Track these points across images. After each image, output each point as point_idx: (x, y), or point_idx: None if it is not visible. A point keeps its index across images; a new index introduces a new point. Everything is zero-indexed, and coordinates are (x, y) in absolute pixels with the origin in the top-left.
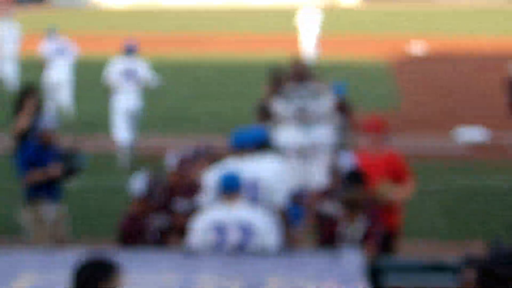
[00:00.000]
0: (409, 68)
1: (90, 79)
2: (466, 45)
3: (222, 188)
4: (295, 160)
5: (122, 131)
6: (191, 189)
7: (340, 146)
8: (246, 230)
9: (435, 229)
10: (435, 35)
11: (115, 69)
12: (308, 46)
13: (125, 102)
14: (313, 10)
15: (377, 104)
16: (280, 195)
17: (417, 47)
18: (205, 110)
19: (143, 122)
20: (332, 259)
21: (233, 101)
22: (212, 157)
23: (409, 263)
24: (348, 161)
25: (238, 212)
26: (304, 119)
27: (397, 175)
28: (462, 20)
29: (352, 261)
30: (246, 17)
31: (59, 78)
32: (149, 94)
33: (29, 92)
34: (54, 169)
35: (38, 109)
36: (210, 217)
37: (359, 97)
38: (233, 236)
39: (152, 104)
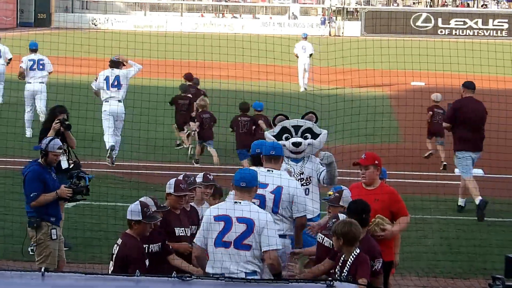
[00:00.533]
0: (409, 101)
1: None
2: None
3: (238, 182)
4: None
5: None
6: (190, 215)
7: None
8: (249, 226)
9: (437, 265)
10: (436, 68)
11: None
12: (302, 75)
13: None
14: (307, 41)
15: (378, 137)
16: (301, 207)
17: (418, 81)
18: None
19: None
20: None
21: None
22: (211, 185)
23: None
24: (347, 194)
25: (246, 208)
26: (297, 152)
27: (393, 211)
28: (463, 55)
29: None
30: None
31: (36, 88)
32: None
33: (57, 114)
34: (66, 191)
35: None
36: (219, 209)
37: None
38: (237, 229)
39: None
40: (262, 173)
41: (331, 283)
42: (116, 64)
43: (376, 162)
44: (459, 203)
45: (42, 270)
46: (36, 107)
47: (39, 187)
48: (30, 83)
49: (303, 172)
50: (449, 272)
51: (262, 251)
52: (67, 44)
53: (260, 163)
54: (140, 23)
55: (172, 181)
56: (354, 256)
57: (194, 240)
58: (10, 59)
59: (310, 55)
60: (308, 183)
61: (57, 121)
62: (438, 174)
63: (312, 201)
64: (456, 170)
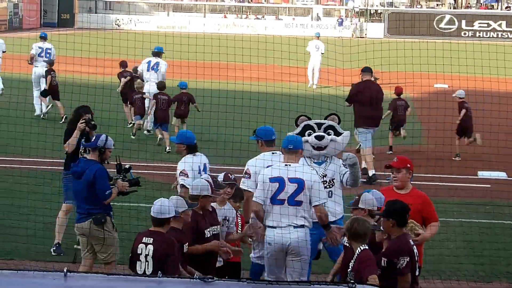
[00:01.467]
0: (432, 103)
1: None
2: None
3: (286, 145)
4: None
5: None
6: (212, 215)
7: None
8: (300, 184)
9: (460, 268)
10: (460, 70)
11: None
12: (310, 72)
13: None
14: (320, 40)
15: (401, 139)
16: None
17: (441, 83)
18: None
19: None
20: None
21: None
22: (232, 184)
23: None
24: (368, 196)
25: (296, 169)
26: (319, 148)
27: (424, 215)
28: (486, 57)
29: None
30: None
31: (41, 72)
32: None
33: (82, 114)
34: (124, 184)
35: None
36: (273, 171)
37: (384, 132)
38: (290, 188)
39: None
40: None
41: (353, 285)
42: (157, 54)
43: (408, 165)
44: (369, 175)
45: (65, 270)
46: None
47: (109, 184)
48: (37, 67)
49: (326, 175)
50: (472, 275)
51: (313, 205)
52: (91, 45)
53: (196, 151)
54: (163, 24)
55: (204, 184)
56: (358, 253)
57: (253, 198)
58: (3, 52)
59: (322, 54)
60: (331, 186)
61: (83, 120)
62: (461, 177)
63: (335, 203)
64: (479, 173)
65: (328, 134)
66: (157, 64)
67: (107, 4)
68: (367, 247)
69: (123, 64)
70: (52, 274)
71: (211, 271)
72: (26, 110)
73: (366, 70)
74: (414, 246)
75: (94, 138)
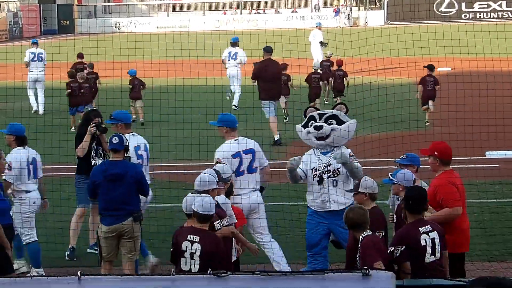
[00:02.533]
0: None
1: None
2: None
3: (231, 125)
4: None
5: None
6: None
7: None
8: (252, 154)
9: (473, 249)
10: (461, 51)
11: None
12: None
13: None
14: (318, 30)
15: (406, 124)
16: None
17: (444, 66)
18: None
19: None
20: (362, 279)
21: None
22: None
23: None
24: (368, 181)
25: (244, 142)
26: (320, 138)
27: (438, 201)
28: (487, 37)
29: (381, 282)
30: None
31: (35, 76)
32: None
33: (92, 118)
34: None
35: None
36: (232, 148)
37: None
38: (246, 160)
39: None
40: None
41: (367, 271)
42: (234, 44)
43: (436, 152)
44: (275, 139)
45: (79, 274)
46: (38, 97)
47: None
48: (32, 71)
49: (330, 164)
50: (485, 255)
51: (262, 167)
52: (91, 48)
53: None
54: (163, 24)
55: (211, 177)
56: (360, 241)
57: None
58: None
59: (321, 42)
60: (335, 175)
61: (93, 124)
62: (469, 158)
63: (338, 193)
64: (487, 153)
65: (329, 124)
66: (236, 53)
67: (106, 8)
68: (369, 233)
69: (80, 55)
70: (66, 278)
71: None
72: (30, 117)
73: (267, 50)
74: (426, 234)
75: (115, 139)
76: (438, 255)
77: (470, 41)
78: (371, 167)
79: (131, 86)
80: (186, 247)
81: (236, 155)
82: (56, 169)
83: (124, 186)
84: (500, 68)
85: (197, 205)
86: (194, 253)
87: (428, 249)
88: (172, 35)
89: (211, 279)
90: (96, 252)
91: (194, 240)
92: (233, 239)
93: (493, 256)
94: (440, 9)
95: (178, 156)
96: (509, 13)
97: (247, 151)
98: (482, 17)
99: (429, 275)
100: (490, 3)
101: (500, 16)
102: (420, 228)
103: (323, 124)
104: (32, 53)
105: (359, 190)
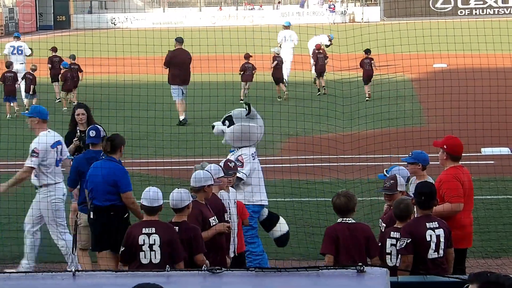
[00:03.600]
0: (431, 83)
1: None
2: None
3: (43, 116)
4: None
5: None
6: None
7: None
8: (62, 146)
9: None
10: (457, 48)
11: None
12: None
13: None
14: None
15: (403, 120)
16: None
17: (440, 63)
18: None
19: None
20: (357, 275)
21: None
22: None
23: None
24: (402, 181)
25: (53, 134)
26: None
27: (441, 195)
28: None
29: (376, 279)
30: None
31: (18, 68)
32: None
33: (75, 111)
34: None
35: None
36: (48, 140)
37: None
38: (57, 152)
39: None
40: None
41: (362, 268)
42: (287, 27)
43: (445, 146)
44: (180, 119)
45: (73, 270)
46: (22, 93)
47: None
48: (12, 63)
49: None
50: (480, 252)
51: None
52: (86, 44)
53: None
54: (159, 20)
55: (207, 174)
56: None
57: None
58: None
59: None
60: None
61: (76, 140)
62: (464, 154)
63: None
64: (482, 150)
65: (224, 124)
66: (290, 35)
67: (102, 3)
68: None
69: (54, 49)
70: (61, 274)
71: (222, 261)
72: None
73: (178, 40)
74: (432, 230)
75: (92, 132)
76: (441, 252)
77: (466, 38)
78: (367, 163)
79: (63, 79)
80: (143, 240)
81: (54, 145)
82: None
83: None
84: (495, 65)
85: (143, 199)
86: (154, 244)
87: (432, 245)
88: (167, 31)
89: (206, 275)
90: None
91: (150, 232)
92: (230, 235)
93: (488, 253)
94: (436, 6)
95: (173, 152)
96: (505, 9)
97: (56, 143)
98: (478, 13)
99: (431, 271)
100: None
101: (496, 12)
102: (427, 224)
103: (215, 124)
104: (11, 46)
105: (398, 189)
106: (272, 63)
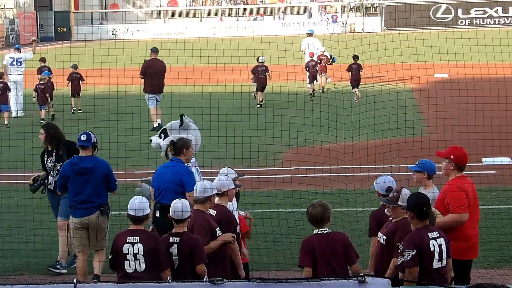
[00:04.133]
0: (432, 93)
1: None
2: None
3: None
4: None
5: None
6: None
7: None
8: None
9: None
10: (457, 58)
11: None
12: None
13: None
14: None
15: (404, 131)
16: None
17: (441, 72)
18: None
19: None
20: (358, 286)
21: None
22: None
23: None
24: (406, 192)
25: None
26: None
27: (445, 205)
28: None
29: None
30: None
31: (16, 79)
32: None
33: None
34: None
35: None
36: None
37: (385, 124)
38: None
39: None
40: None
41: (363, 278)
42: (310, 35)
43: (452, 156)
44: (154, 126)
45: (74, 281)
46: (18, 97)
47: None
48: (11, 74)
49: None
50: (481, 262)
51: None
52: (87, 56)
53: None
54: (160, 31)
55: (208, 185)
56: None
57: None
58: None
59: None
60: None
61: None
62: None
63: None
64: (483, 160)
65: (160, 137)
66: (313, 43)
67: (103, 15)
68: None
69: (42, 59)
70: (63, 286)
71: (225, 271)
72: (26, 125)
73: (154, 50)
74: (434, 240)
75: (83, 136)
76: (444, 262)
77: (466, 48)
78: (368, 173)
79: (43, 87)
80: (128, 249)
81: None
82: None
83: (93, 180)
84: (496, 75)
85: (129, 209)
86: (138, 253)
87: (436, 255)
88: (168, 42)
89: (207, 286)
90: (58, 269)
91: (134, 241)
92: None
93: (490, 263)
94: (436, 15)
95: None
96: (505, 19)
97: None
98: (478, 23)
99: (435, 281)
100: (487, 9)
101: (497, 22)
102: (429, 234)
103: (152, 138)
104: (11, 57)
105: (398, 203)
106: (256, 71)
